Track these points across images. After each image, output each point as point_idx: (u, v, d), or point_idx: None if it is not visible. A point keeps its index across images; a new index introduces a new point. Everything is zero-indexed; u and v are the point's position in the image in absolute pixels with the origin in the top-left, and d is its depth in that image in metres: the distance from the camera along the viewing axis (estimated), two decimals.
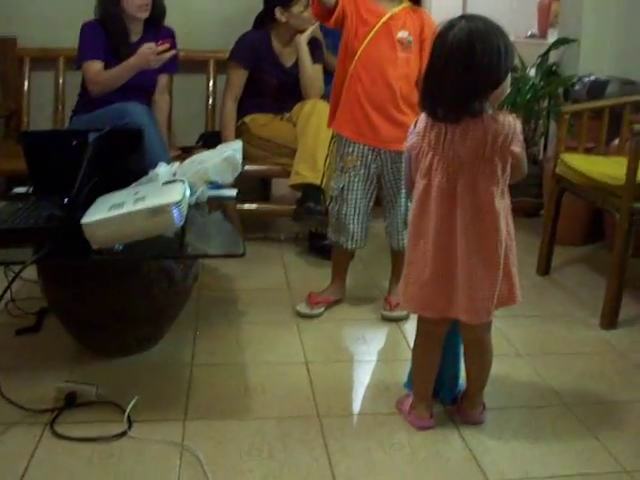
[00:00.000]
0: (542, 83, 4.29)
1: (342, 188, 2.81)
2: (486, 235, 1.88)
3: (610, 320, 2.84)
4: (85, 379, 2.24)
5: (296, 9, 3.52)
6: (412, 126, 1.99)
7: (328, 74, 3.62)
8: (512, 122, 1.85)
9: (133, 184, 2.35)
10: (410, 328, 2.69)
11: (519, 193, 3.93)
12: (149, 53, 3.23)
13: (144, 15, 3.39)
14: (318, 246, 3.58)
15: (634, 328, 2.84)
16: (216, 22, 3.99)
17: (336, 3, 2.59)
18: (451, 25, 1.82)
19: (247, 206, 3.58)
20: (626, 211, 2.76)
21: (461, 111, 1.83)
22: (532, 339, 2.74)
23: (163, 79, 3.58)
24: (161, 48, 3.23)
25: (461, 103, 1.81)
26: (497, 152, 1.84)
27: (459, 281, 1.92)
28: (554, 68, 4.40)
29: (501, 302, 1.96)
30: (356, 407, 2.27)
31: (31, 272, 2.22)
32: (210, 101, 3.98)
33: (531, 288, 3.17)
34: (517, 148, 1.87)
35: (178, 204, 2.01)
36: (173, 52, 3.28)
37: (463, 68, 1.78)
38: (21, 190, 2.56)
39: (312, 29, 3.58)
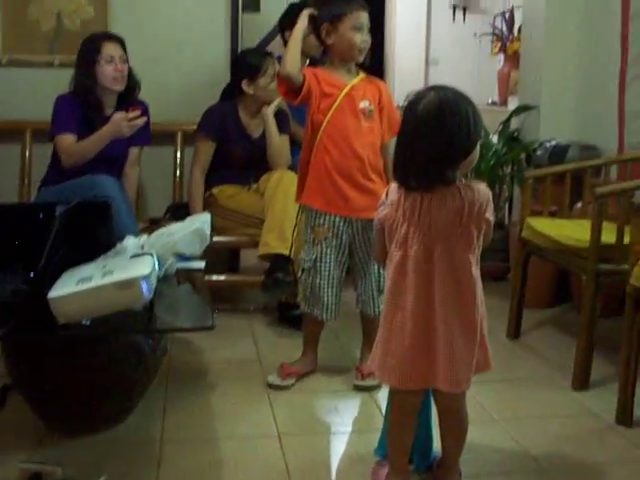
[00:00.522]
0: (505, 149, 4.38)
1: (314, 260, 2.80)
2: (465, 304, 1.89)
3: (582, 381, 2.84)
4: (51, 459, 2.17)
5: (262, 81, 3.57)
6: (383, 196, 2.00)
7: (295, 145, 3.68)
8: (486, 191, 1.88)
9: (101, 257, 2.33)
10: (383, 397, 2.66)
11: (486, 257, 3.95)
12: (121, 120, 3.24)
13: (119, 88, 3.43)
14: (288, 316, 3.55)
15: (606, 388, 2.83)
16: (183, 94, 4.03)
17: (302, 82, 2.63)
18: (421, 96, 1.86)
19: (215, 277, 3.56)
20: (592, 272, 2.79)
21: (434, 180, 1.84)
22: (505, 404, 2.73)
23: (134, 151, 3.60)
24: (132, 115, 3.25)
25: (433, 172, 1.83)
26: (474, 220, 1.86)
27: (439, 351, 1.90)
28: (516, 134, 4.50)
29: (477, 369, 1.95)
30: None
31: None
32: (178, 173, 3.99)
33: (502, 352, 3.17)
34: (491, 217, 1.89)
35: (147, 277, 2.01)
36: (144, 119, 3.30)
37: (434, 137, 1.81)
38: None
39: (278, 101, 3.62)
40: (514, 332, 3.43)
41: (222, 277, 3.68)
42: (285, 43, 3.94)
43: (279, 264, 3.33)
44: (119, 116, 3.24)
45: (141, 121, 3.27)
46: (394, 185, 1.95)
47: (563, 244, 2.99)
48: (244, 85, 3.59)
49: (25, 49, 3.88)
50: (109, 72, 3.38)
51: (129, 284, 1.97)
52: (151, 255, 2.19)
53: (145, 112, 3.54)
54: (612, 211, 2.87)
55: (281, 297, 3.55)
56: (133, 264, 2.11)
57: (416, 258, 1.89)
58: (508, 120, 4.45)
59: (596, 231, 2.74)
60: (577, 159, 3.75)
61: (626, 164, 3.56)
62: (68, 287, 2.00)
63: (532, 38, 4.52)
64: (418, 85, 7.30)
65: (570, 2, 4.24)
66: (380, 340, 2.01)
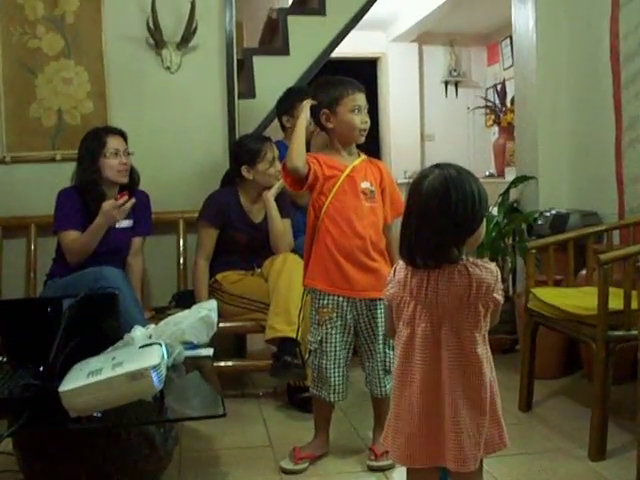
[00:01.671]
0: (505, 220, 4.41)
1: (320, 341, 2.80)
2: (472, 383, 1.87)
3: (598, 451, 2.80)
4: None
5: (262, 166, 3.62)
6: (391, 274, 2.00)
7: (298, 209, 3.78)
8: (494, 269, 1.87)
9: (109, 349, 2.34)
10: (398, 477, 2.63)
11: (493, 330, 3.94)
12: (111, 209, 3.29)
13: (124, 180, 3.50)
14: (297, 399, 3.53)
15: (624, 456, 2.79)
16: (183, 183, 4.08)
17: (308, 171, 2.68)
18: (425, 174, 1.87)
19: (223, 363, 3.55)
20: (602, 340, 2.78)
21: (440, 259, 1.84)
22: (523, 477, 2.69)
23: (137, 242, 3.64)
24: (121, 201, 3.30)
25: (440, 250, 1.83)
26: (481, 299, 1.84)
27: (446, 429, 1.88)
28: (515, 205, 4.54)
29: (492, 448, 1.92)
30: None
31: (5, 443, 2.16)
32: (181, 260, 4.02)
33: (515, 425, 3.13)
34: (499, 297, 1.88)
35: (157, 367, 2.00)
36: (133, 200, 3.34)
37: (440, 216, 1.81)
38: None
39: (279, 184, 3.66)
40: (526, 404, 3.39)
41: (230, 363, 3.65)
42: (283, 127, 4.03)
43: (287, 347, 3.32)
44: (108, 205, 3.29)
45: (130, 204, 3.32)
46: (401, 263, 1.95)
47: (570, 313, 2.98)
48: (244, 171, 3.64)
49: (28, 146, 3.94)
50: (115, 165, 3.44)
51: (139, 375, 1.97)
52: (160, 345, 2.19)
53: (146, 202, 3.62)
54: (617, 277, 2.88)
55: (290, 380, 3.52)
56: (142, 354, 2.11)
57: (423, 336, 1.88)
58: (507, 191, 4.50)
59: (603, 298, 2.74)
60: (578, 226, 3.77)
61: (628, 229, 3.58)
62: (79, 380, 1.99)
63: (525, 109, 4.61)
64: (415, 160, 7.44)
65: (560, 71, 4.34)
66: (391, 417, 1.99)
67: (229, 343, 4.00)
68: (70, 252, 3.40)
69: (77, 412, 1.99)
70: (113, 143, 3.46)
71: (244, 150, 3.66)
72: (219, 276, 3.66)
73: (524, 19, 4.54)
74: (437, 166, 1.88)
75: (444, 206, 1.80)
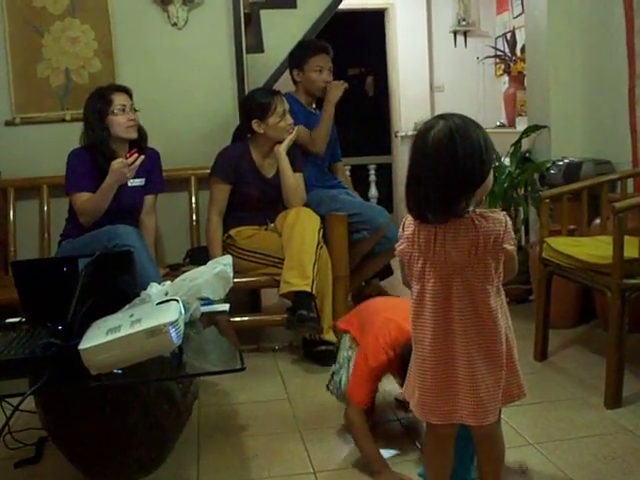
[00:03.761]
0: (517, 171, 4.38)
1: (348, 359, 2.75)
2: (486, 335, 1.86)
3: (614, 399, 2.81)
4: None
5: (272, 120, 3.60)
6: (400, 230, 1.97)
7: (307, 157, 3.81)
8: (503, 219, 1.83)
9: (126, 306, 2.34)
10: None
11: (507, 281, 3.96)
12: (121, 167, 3.28)
13: (134, 135, 3.49)
14: (313, 352, 3.55)
15: (639, 404, 2.81)
16: (193, 139, 4.07)
17: None
18: (430, 126, 1.82)
19: (238, 318, 3.57)
20: (617, 289, 2.77)
21: (449, 212, 1.80)
22: (539, 426, 2.71)
23: (150, 200, 3.64)
24: (131, 159, 3.30)
25: (448, 204, 1.79)
26: (490, 251, 1.82)
27: (462, 384, 1.88)
28: (527, 155, 4.51)
29: (511, 398, 1.93)
30: None
31: (27, 402, 2.18)
32: (194, 217, 4.03)
33: (531, 374, 3.15)
34: (509, 246, 1.84)
35: (175, 323, 2.01)
36: (142, 158, 3.34)
37: (447, 167, 1.77)
38: (13, 320, 2.54)
39: (289, 138, 3.65)
40: (541, 354, 3.41)
41: (245, 318, 3.67)
42: (294, 81, 4.01)
43: (301, 301, 3.35)
44: (117, 164, 3.29)
45: (139, 161, 3.32)
46: (410, 218, 1.91)
47: (585, 262, 2.98)
48: (254, 125, 3.62)
49: (37, 107, 3.94)
50: (123, 121, 3.43)
51: (158, 331, 1.97)
52: (177, 301, 2.20)
53: (156, 159, 3.61)
54: (631, 225, 2.86)
55: (305, 334, 3.55)
56: (160, 311, 2.11)
57: (433, 291, 1.87)
58: (519, 141, 4.46)
59: (618, 246, 2.73)
60: (592, 175, 3.74)
61: None
62: (98, 338, 2.00)
63: (536, 58, 4.55)
64: (425, 112, 7.37)
65: (573, 18, 4.27)
66: (410, 371, 2.00)
67: (244, 298, 4.02)
68: (82, 213, 3.41)
69: (97, 369, 1.99)
70: (119, 100, 3.45)
71: (254, 104, 3.64)
72: (232, 231, 3.67)
73: None
74: (441, 117, 1.83)
75: (451, 158, 1.76)
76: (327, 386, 2.73)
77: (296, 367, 3.54)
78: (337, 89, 3.92)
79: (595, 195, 3.44)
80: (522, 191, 4.45)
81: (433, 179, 1.78)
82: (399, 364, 2.31)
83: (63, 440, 2.38)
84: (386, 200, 7.38)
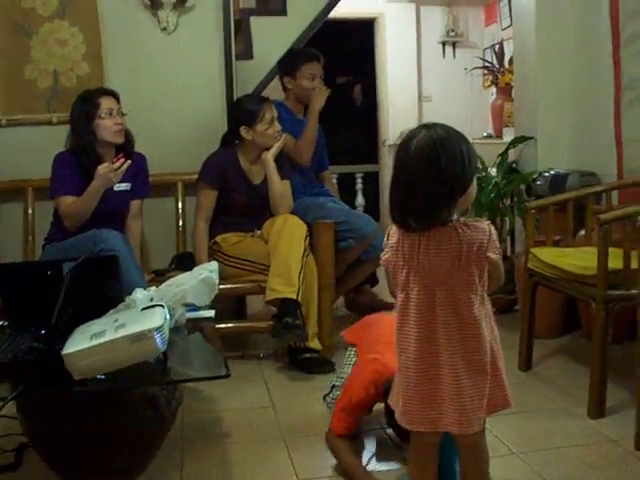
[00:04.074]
0: (504, 181, 4.40)
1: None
2: (470, 344, 1.86)
3: (597, 409, 2.83)
4: None
5: (260, 127, 3.61)
6: (385, 238, 1.97)
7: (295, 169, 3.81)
8: (487, 228, 1.84)
9: (111, 311, 2.33)
10: None
11: (492, 291, 3.98)
12: (108, 172, 3.27)
13: (121, 140, 3.47)
14: (298, 360, 3.54)
15: (622, 414, 2.82)
16: (181, 144, 4.05)
17: None
18: (412, 135, 1.83)
19: (223, 325, 3.54)
20: (601, 299, 2.79)
21: (432, 220, 1.82)
22: (523, 436, 2.71)
23: (136, 204, 3.63)
24: (118, 164, 3.28)
25: (431, 212, 1.80)
26: (473, 260, 1.83)
27: (446, 393, 1.87)
28: (514, 165, 4.53)
29: (495, 408, 1.93)
30: None
31: (7, 407, 2.16)
32: (180, 223, 4.01)
33: (515, 384, 3.11)
34: (493, 255, 1.85)
35: (159, 329, 2.00)
36: (129, 162, 3.32)
37: (429, 177, 1.78)
38: None
39: (278, 145, 3.66)
40: (526, 363, 3.42)
41: (230, 324, 3.65)
42: (284, 88, 4.02)
43: (287, 308, 3.34)
44: (103, 168, 3.27)
45: (125, 166, 3.30)
46: (394, 227, 1.92)
47: (570, 272, 2.99)
48: (243, 131, 3.62)
49: (23, 109, 3.90)
50: (110, 125, 3.41)
51: (142, 336, 1.97)
52: (162, 306, 2.19)
53: (143, 164, 3.60)
54: (615, 237, 2.88)
55: (290, 341, 3.54)
56: (145, 316, 2.10)
57: (418, 300, 1.87)
58: (505, 152, 4.49)
59: (603, 257, 2.75)
60: (577, 187, 3.77)
61: (627, 189, 3.58)
62: (82, 342, 1.99)
63: (524, 69, 4.58)
64: (412, 122, 7.39)
65: (560, 31, 4.30)
66: (395, 380, 2.01)
67: (229, 305, 4.01)
68: (67, 217, 3.39)
69: (81, 374, 1.98)
70: (106, 103, 3.43)
71: (243, 110, 3.65)
72: (219, 238, 3.66)
73: None
74: (424, 126, 1.85)
75: (433, 166, 1.77)
76: (324, 397, 2.72)
77: (281, 375, 3.53)
78: (320, 96, 3.93)
79: (580, 206, 3.46)
80: (508, 201, 4.47)
81: (416, 188, 1.80)
82: (382, 398, 2.33)
83: (44, 446, 2.35)
84: (373, 209, 7.39)
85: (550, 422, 2.82)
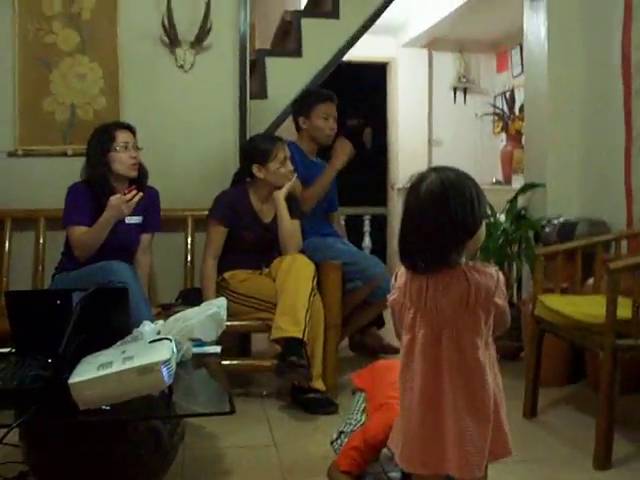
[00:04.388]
0: (512, 227, 4.41)
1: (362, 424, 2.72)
2: (474, 389, 1.85)
3: (603, 461, 2.79)
4: None
5: (273, 166, 3.63)
6: (392, 280, 1.99)
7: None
8: (495, 274, 1.85)
9: (118, 343, 2.34)
10: None
11: (497, 337, 3.96)
12: (119, 203, 3.30)
13: (134, 174, 3.51)
14: (301, 400, 3.51)
15: (629, 466, 2.79)
16: (193, 180, 4.10)
17: None
18: (423, 177, 1.85)
19: (228, 362, 3.53)
20: (609, 348, 2.77)
21: (440, 262, 1.83)
22: None
23: (146, 238, 3.65)
24: (129, 196, 3.31)
25: (439, 254, 1.82)
26: (480, 304, 1.83)
27: (449, 436, 1.86)
28: (523, 212, 4.54)
29: (496, 456, 1.91)
30: None
31: (10, 434, 2.16)
32: (189, 258, 4.02)
33: (519, 432, 3.10)
34: (500, 300, 1.86)
35: (167, 363, 2.01)
36: (140, 195, 3.35)
37: (438, 219, 1.80)
38: (2, 350, 2.52)
39: (289, 185, 3.68)
40: (530, 411, 3.38)
41: (235, 361, 3.64)
42: (297, 128, 4.06)
43: (292, 348, 3.33)
44: (116, 199, 3.31)
45: (137, 198, 3.33)
46: (402, 269, 1.93)
47: (578, 320, 2.98)
48: (255, 170, 3.65)
49: (40, 140, 3.97)
50: (125, 159, 3.46)
51: (150, 369, 1.97)
52: (170, 340, 2.19)
53: (155, 198, 3.63)
54: (625, 285, 2.88)
55: (295, 380, 3.52)
56: (152, 349, 2.11)
57: (424, 341, 1.87)
58: (515, 198, 4.50)
59: (612, 306, 2.74)
60: (586, 235, 3.77)
61: (637, 238, 3.59)
62: (89, 372, 1.99)
63: (535, 117, 4.62)
64: (422, 166, 7.38)
65: (571, 79, 4.34)
66: (396, 422, 2.00)
67: (234, 342, 4.00)
68: (78, 247, 3.41)
69: (86, 404, 1.98)
70: (122, 137, 3.48)
71: (256, 149, 3.68)
72: (227, 274, 3.67)
73: (536, 27, 4.55)
74: (434, 169, 1.87)
75: (443, 209, 1.80)
76: (332, 443, 2.69)
77: (284, 414, 3.50)
78: (343, 154, 4.00)
79: (589, 254, 3.45)
80: (516, 248, 4.47)
81: (425, 230, 1.82)
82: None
83: (45, 475, 2.34)
84: (380, 251, 7.40)
85: (555, 472, 2.79)
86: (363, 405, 2.62)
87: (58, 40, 3.95)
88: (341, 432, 2.66)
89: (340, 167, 4.03)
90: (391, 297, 1.97)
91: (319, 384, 3.48)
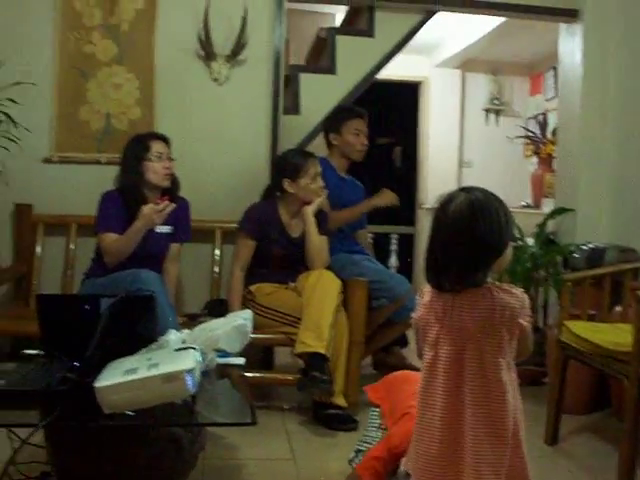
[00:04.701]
0: (541, 252, 4.39)
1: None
2: (494, 408, 1.85)
3: None
4: None
5: (304, 181, 3.66)
6: (418, 297, 2.00)
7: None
8: (520, 295, 1.86)
9: (143, 350, 2.36)
10: None
11: (522, 361, 3.94)
12: (151, 213, 3.34)
13: (167, 184, 3.56)
14: (322, 415, 3.51)
15: None
16: (223, 193, 4.14)
17: None
18: (451, 197, 1.88)
19: (251, 374, 3.53)
20: (635, 377, 2.75)
21: (466, 282, 1.85)
22: None
23: (175, 248, 3.68)
24: (162, 206, 3.35)
25: (466, 274, 1.84)
26: (505, 324, 1.84)
27: (466, 457, 1.86)
28: (552, 237, 4.52)
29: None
30: None
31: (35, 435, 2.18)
32: (216, 269, 4.06)
33: (539, 458, 3.10)
34: (524, 322, 1.86)
35: (191, 371, 2.03)
36: (173, 206, 3.39)
37: (466, 239, 1.82)
38: (31, 352, 2.55)
39: (319, 201, 3.70)
40: (552, 438, 3.36)
41: (257, 374, 3.65)
42: (329, 144, 4.09)
43: (316, 363, 3.34)
44: (147, 209, 3.34)
45: (170, 208, 3.36)
46: (428, 286, 1.95)
47: (604, 348, 2.96)
48: (286, 184, 3.67)
49: (75, 147, 4.03)
50: (158, 169, 3.50)
51: (174, 377, 1.99)
52: (195, 349, 2.21)
53: (186, 209, 3.66)
54: None
55: (316, 396, 3.52)
56: (178, 357, 2.13)
57: (447, 359, 1.88)
58: (544, 223, 4.49)
59: (639, 334, 2.72)
60: (615, 262, 3.76)
61: None
62: (115, 377, 2.02)
63: (567, 141, 4.61)
64: (451, 186, 7.36)
65: (605, 104, 4.35)
66: (413, 439, 1.98)
67: (257, 354, 4.01)
68: (108, 253, 3.45)
69: (110, 409, 2.01)
70: (157, 147, 3.52)
71: (288, 163, 3.70)
72: (253, 287, 3.69)
73: (571, 51, 4.55)
74: (463, 189, 1.90)
75: (470, 229, 1.82)
76: (350, 462, 2.69)
77: (304, 428, 3.51)
78: (385, 200, 4.12)
79: (617, 281, 3.44)
80: (544, 272, 4.45)
81: (452, 249, 1.84)
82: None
83: (67, 477, 2.36)
84: (406, 270, 7.37)
85: None
86: (378, 421, 2.62)
87: (96, 50, 4.02)
88: (358, 451, 2.66)
89: (377, 205, 4.08)
90: (416, 314, 1.99)
91: (340, 400, 3.48)
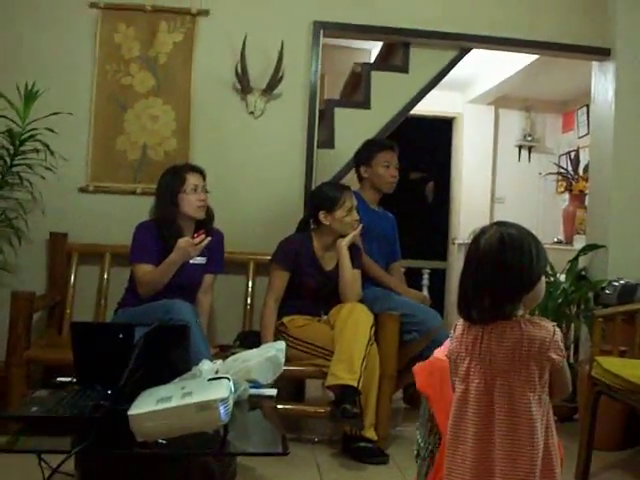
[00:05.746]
0: (572, 288, 4.37)
1: (431, 451, 2.71)
2: (521, 442, 1.84)
3: None
4: None
5: (339, 214, 3.69)
6: (452, 330, 2.02)
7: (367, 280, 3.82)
8: (551, 328, 1.85)
9: (177, 379, 2.39)
10: None
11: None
12: (187, 246, 3.38)
13: (202, 216, 3.60)
14: (352, 448, 3.51)
15: None
16: (257, 225, 4.19)
17: None
18: (484, 231, 1.91)
19: (282, 406, 3.55)
20: None
21: (495, 314, 1.86)
22: None
23: (209, 279, 3.72)
24: (198, 240, 3.39)
25: (494, 306, 1.85)
26: (533, 357, 1.84)
27: None
28: (583, 273, 4.51)
29: None
30: None
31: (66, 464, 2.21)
32: (249, 301, 4.09)
33: None
34: (556, 355, 1.84)
35: (224, 401, 2.05)
36: (209, 239, 3.43)
37: (495, 271, 1.84)
38: (64, 379, 2.59)
39: (353, 234, 3.72)
40: (582, 474, 3.32)
41: (289, 406, 3.65)
42: (360, 178, 4.11)
43: (347, 395, 3.34)
44: (184, 242, 3.39)
45: (205, 242, 3.40)
46: (461, 321, 1.97)
47: (635, 384, 2.95)
48: (321, 216, 3.70)
49: (111, 177, 4.11)
50: (193, 201, 3.54)
51: (208, 406, 2.01)
52: (228, 379, 2.23)
53: (220, 240, 3.70)
54: None
55: (346, 429, 3.53)
56: (211, 387, 2.15)
57: (477, 392, 1.89)
58: (576, 259, 4.47)
59: None
60: None
61: None
62: (148, 405, 2.04)
63: (599, 178, 4.60)
64: (484, 221, 7.32)
65: (637, 142, 4.35)
66: (445, 473, 1.97)
67: (288, 386, 4.02)
68: (142, 284, 3.49)
69: (143, 437, 2.03)
70: (192, 179, 3.57)
71: (324, 196, 3.73)
72: (286, 319, 3.71)
73: (603, 89, 4.56)
74: (497, 223, 1.93)
75: (500, 262, 1.84)
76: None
77: (334, 461, 3.50)
78: (415, 297, 4.13)
79: None
80: (575, 308, 4.43)
81: (482, 282, 1.87)
82: None
83: None
84: (438, 305, 7.35)
85: None
86: (428, 413, 2.57)
87: (134, 82, 4.11)
88: (417, 454, 2.58)
89: (403, 293, 4.08)
90: (449, 347, 2.00)
91: (371, 434, 3.47)
